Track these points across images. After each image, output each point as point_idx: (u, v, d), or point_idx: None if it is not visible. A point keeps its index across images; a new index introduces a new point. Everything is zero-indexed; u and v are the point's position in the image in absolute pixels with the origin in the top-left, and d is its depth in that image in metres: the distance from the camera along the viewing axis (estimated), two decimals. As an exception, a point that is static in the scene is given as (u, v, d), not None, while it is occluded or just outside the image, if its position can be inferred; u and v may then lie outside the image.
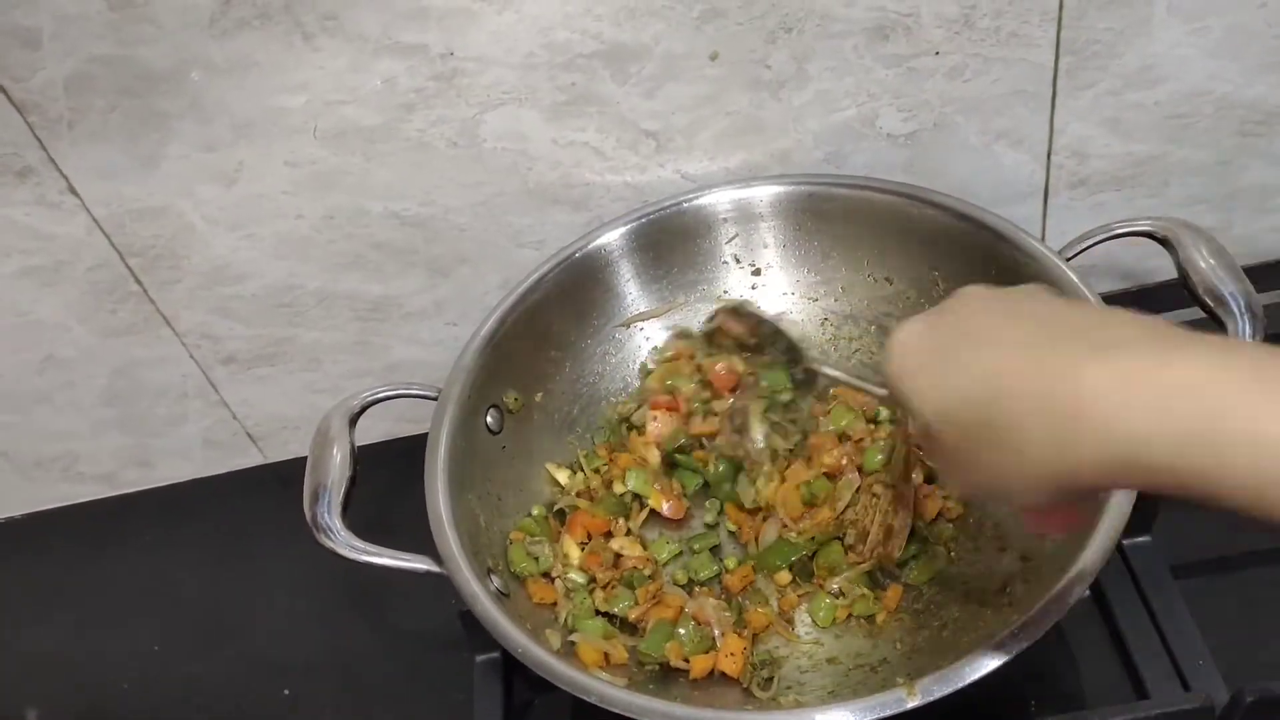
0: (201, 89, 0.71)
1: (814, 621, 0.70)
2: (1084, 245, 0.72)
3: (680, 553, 0.74)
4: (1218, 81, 0.78)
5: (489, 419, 0.75)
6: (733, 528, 0.75)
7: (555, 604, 0.70)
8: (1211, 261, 0.66)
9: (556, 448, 0.79)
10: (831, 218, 0.80)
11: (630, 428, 0.79)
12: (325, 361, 0.89)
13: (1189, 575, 0.71)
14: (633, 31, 0.72)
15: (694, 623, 0.69)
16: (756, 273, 0.83)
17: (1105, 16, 0.74)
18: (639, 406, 0.78)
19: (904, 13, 0.73)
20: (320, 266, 0.83)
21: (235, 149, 0.75)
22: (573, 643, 0.67)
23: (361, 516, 0.68)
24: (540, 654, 0.60)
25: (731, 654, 0.67)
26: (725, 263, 0.83)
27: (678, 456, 0.77)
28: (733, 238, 0.82)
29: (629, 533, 0.75)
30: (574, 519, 0.74)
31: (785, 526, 0.73)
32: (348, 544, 0.66)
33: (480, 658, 0.74)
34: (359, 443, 0.71)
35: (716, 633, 0.68)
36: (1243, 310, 0.65)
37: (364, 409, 0.73)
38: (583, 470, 0.78)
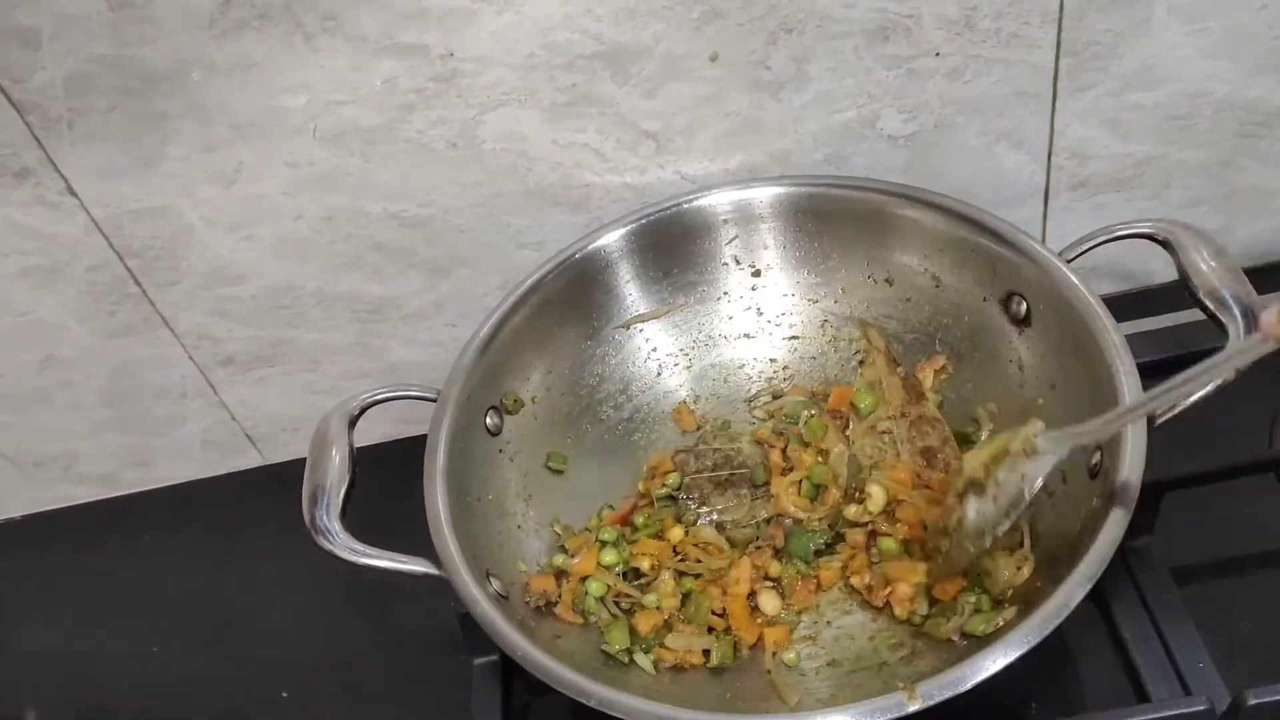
0: (201, 89, 0.71)
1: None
2: (1084, 247, 0.72)
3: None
4: (1217, 82, 0.78)
5: (488, 421, 0.75)
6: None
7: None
8: (1213, 264, 0.66)
9: (556, 450, 0.79)
10: (832, 219, 0.80)
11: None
12: (324, 362, 0.89)
13: (1190, 578, 0.71)
14: (633, 32, 0.72)
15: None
16: (756, 274, 0.83)
17: (1105, 18, 0.74)
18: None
19: (904, 14, 0.73)
20: (319, 267, 0.82)
21: (235, 149, 0.75)
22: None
23: (360, 518, 0.68)
24: (539, 657, 0.60)
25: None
26: (725, 264, 0.83)
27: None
28: (733, 239, 0.82)
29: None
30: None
31: (799, 522, 0.74)
32: (346, 546, 0.66)
33: (479, 660, 0.74)
34: (358, 444, 0.71)
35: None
36: (1243, 313, 0.64)
37: (363, 411, 0.73)
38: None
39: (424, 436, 0.71)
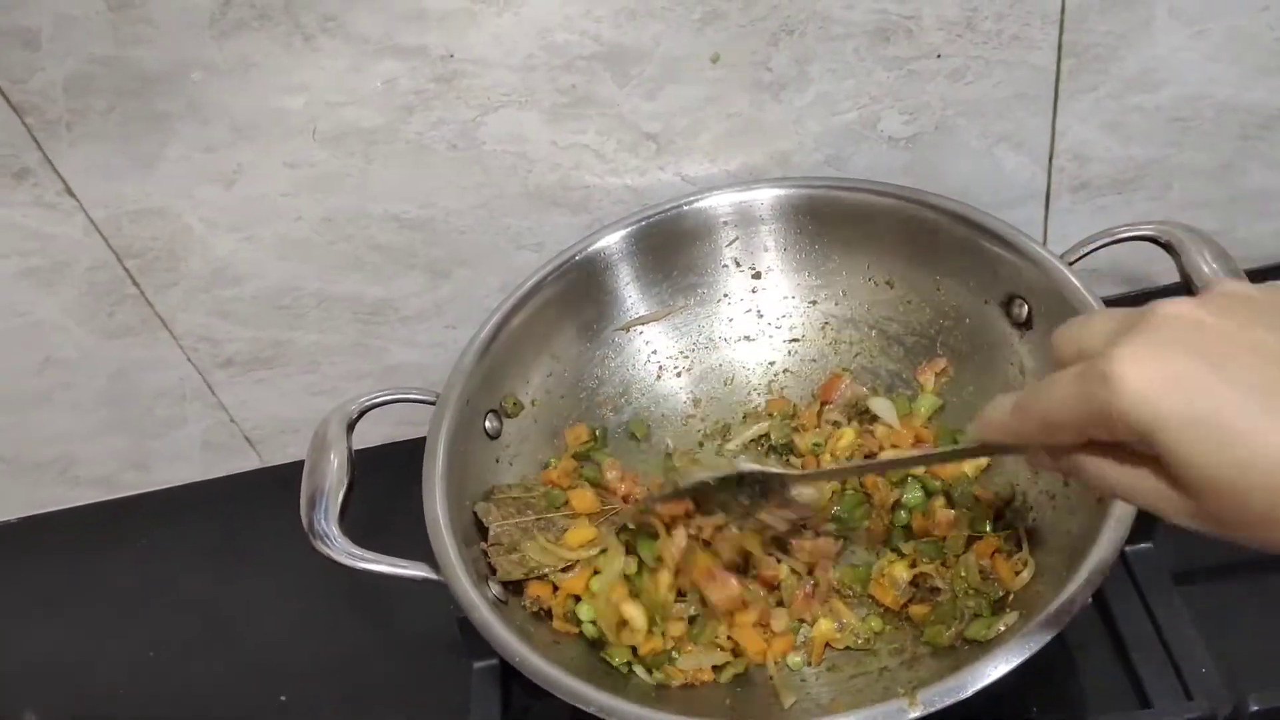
0: (200, 90, 0.71)
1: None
2: (1086, 250, 0.72)
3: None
4: (1218, 85, 0.78)
5: (488, 423, 0.75)
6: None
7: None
8: (1215, 266, 0.66)
9: (554, 453, 0.79)
10: (832, 221, 0.79)
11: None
12: (324, 364, 0.89)
13: (1191, 582, 0.71)
14: (633, 33, 0.72)
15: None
16: (756, 276, 0.82)
17: (1106, 20, 0.74)
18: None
19: (905, 15, 0.73)
20: (319, 269, 0.82)
21: (234, 150, 0.74)
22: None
23: (359, 521, 0.68)
24: (538, 663, 0.60)
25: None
26: (725, 266, 0.82)
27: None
28: (733, 241, 0.81)
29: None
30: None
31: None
32: (345, 551, 0.66)
33: (478, 664, 0.74)
34: (357, 446, 0.71)
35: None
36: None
37: (362, 414, 0.73)
38: None
39: (423, 439, 0.70)
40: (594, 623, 0.69)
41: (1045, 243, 0.84)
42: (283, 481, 0.87)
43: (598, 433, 0.79)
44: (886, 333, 0.80)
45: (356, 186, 0.78)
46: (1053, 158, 0.82)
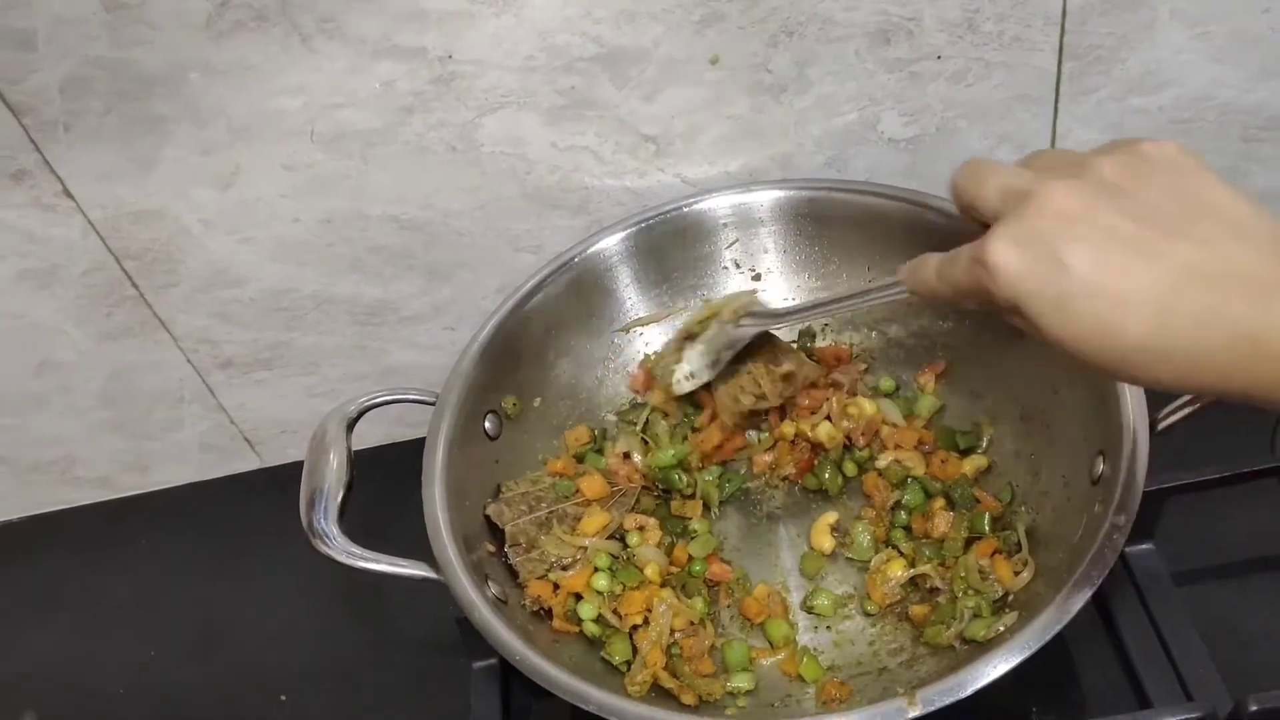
0: (198, 91, 0.71)
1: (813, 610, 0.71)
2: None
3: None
4: (1221, 87, 0.78)
5: (487, 424, 0.75)
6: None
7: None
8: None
9: (554, 454, 0.79)
10: (833, 223, 0.79)
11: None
12: (323, 365, 0.89)
13: (1191, 583, 0.71)
14: (632, 35, 0.72)
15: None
16: (757, 278, 0.82)
17: (1108, 21, 0.74)
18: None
19: (906, 17, 0.73)
20: (318, 270, 0.82)
21: (232, 152, 0.74)
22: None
23: (358, 521, 0.68)
24: (538, 662, 0.60)
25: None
26: (725, 268, 0.82)
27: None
28: (733, 243, 0.81)
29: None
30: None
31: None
32: (344, 550, 0.65)
33: (478, 664, 0.74)
34: (357, 446, 0.71)
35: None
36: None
37: (361, 414, 0.72)
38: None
39: (423, 439, 0.70)
40: (595, 621, 0.69)
41: (1045, 244, 0.84)
42: (282, 482, 0.88)
43: (598, 434, 0.79)
44: (887, 335, 0.80)
45: (355, 188, 0.77)
46: (1053, 159, 0.82)
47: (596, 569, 0.71)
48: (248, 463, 0.96)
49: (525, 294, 0.77)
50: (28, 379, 0.86)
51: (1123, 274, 0.42)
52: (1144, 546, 0.71)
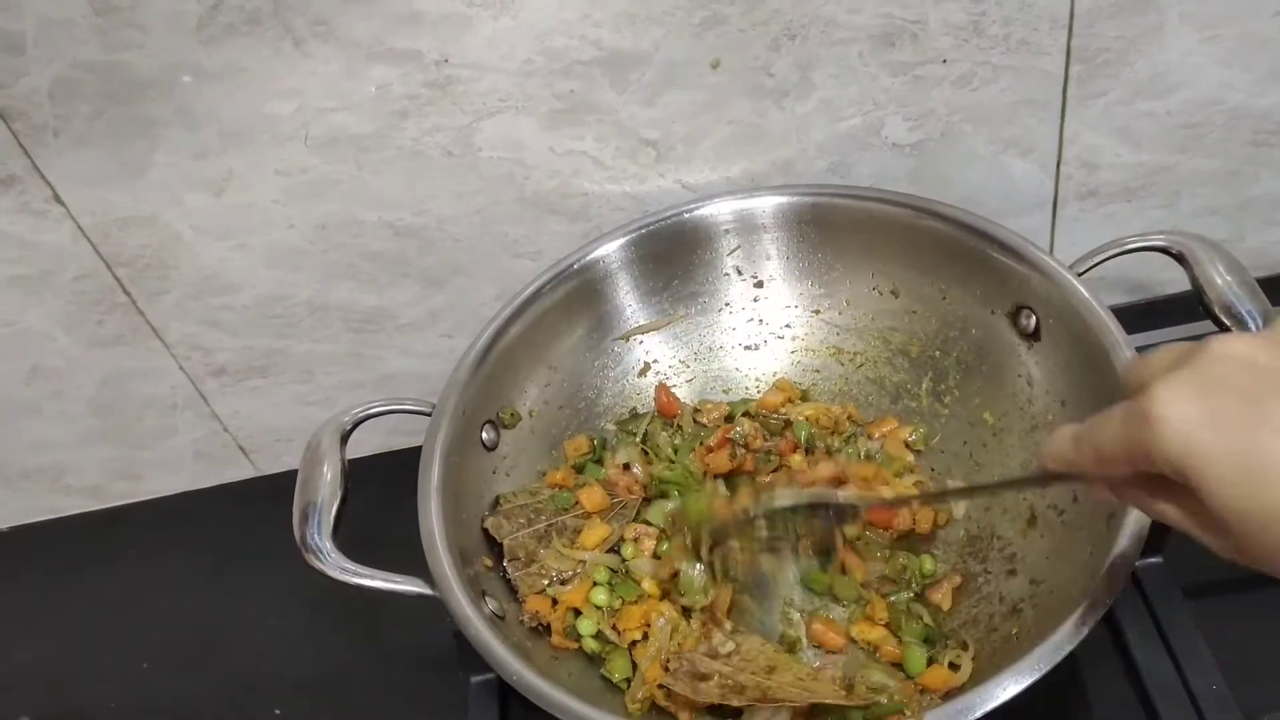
0: (189, 95, 0.70)
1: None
2: (1096, 260, 0.70)
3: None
4: (1230, 91, 0.77)
5: (485, 435, 0.74)
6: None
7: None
8: (1228, 278, 0.65)
9: (553, 464, 0.78)
10: (836, 229, 0.78)
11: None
12: (318, 373, 0.88)
13: (1202, 597, 0.70)
14: (632, 38, 0.71)
15: None
16: (759, 285, 0.81)
17: (1116, 24, 0.73)
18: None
19: (911, 20, 0.72)
20: (312, 277, 0.81)
21: (224, 157, 0.73)
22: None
23: (353, 532, 0.67)
24: (535, 681, 0.59)
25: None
26: (727, 275, 0.81)
27: None
28: (734, 249, 0.80)
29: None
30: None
31: None
32: (338, 566, 0.65)
33: (475, 678, 0.73)
34: (351, 456, 0.70)
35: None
36: (1260, 328, 0.63)
37: (356, 425, 0.72)
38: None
39: (419, 448, 0.69)
40: (594, 637, 0.68)
41: (1052, 251, 0.83)
42: (276, 491, 0.86)
43: (597, 444, 0.78)
44: (891, 343, 0.79)
45: (349, 193, 0.76)
46: (1060, 165, 0.81)
47: (595, 583, 0.70)
48: (241, 471, 0.95)
49: (523, 301, 0.76)
50: (18, 386, 0.85)
51: None
52: (1154, 560, 0.69)
